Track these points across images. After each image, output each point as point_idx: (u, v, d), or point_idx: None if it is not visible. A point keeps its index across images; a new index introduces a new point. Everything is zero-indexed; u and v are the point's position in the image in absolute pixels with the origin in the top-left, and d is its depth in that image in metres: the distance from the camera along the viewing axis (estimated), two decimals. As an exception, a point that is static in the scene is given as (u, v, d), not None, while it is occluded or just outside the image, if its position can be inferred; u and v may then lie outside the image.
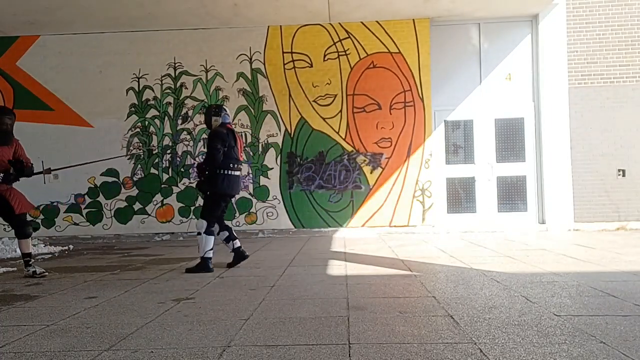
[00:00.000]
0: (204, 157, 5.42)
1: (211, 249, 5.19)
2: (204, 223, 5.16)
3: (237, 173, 5.27)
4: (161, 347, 2.71)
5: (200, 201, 9.13)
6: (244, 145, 9.02)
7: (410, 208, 8.93)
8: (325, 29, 9.09)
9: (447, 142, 9.23)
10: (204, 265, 5.16)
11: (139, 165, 9.23)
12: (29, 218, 9.01)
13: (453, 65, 9.12)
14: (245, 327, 3.06)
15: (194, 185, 9.13)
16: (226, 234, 5.38)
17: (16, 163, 5.16)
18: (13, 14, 8.26)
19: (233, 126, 5.66)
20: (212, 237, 5.22)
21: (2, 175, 5.00)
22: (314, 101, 9.08)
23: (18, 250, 7.37)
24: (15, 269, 5.92)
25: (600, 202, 8.70)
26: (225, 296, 3.99)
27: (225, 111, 5.38)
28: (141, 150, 9.16)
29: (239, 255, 5.41)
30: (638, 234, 7.95)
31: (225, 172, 5.15)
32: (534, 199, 9.01)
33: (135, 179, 9.20)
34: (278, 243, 7.84)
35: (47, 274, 5.27)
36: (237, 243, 5.41)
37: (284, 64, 9.14)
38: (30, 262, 5.30)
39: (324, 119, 9.08)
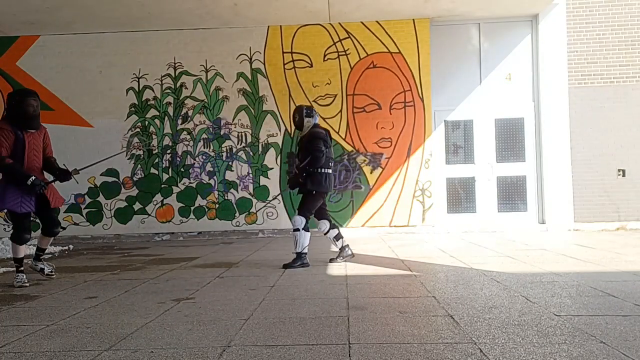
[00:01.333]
0: (298, 158, 5.42)
1: (307, 246, 5.36)
2: (303, 220, 5.30)
3: (331, 171, 5.48)
4: (161, 347, 2.71)
5: (200, 201, 9.13)
6: (246, 145, 9.05)
7: (410, 208, 8.93)
8: (325, 29, 9.09)
9: (447, 142, 9.23)
10: (302, 261, 5.30)
11: (139, 165, 9.23)
12: (37, 218, 9.06)
13: (453, 65, 9.12)
14: (245, 327, 3.06)
15: (193, 185, 9.14)
16: (336, 231, 5.56)
17: (60, 173, 4.87)
18: (13, 14, 8.26)
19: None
20: (309, 234, 5.37)
21: (42, 184, 4.62)
22: (314, 101, 9.07)
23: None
24: (15, 269, 5.91)
25: (600, 202, 8.70)
26: (225, 296, 3.99)
27: (316, 112, 5.55)
28: (142, 147, 9.15)
29: (346, 254, 5.57)
30: (638, 234, 7.95)
31: (325, 170, 5.33)
32: (534, 199, 9.00)
33: (135, 179, 9.20)
34: (278, 243, 7.84)
35: (54, 275, 5.06)
36: (345, 242, 5.61)
37: (284, 64, 9.14)
38: (41, 258, 5.07)
39: (324, 119, 9.06)
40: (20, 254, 4.75)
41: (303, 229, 5.27)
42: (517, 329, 2.86)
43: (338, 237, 5.57)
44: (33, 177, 4.53)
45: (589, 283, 4.10)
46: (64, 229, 5.66)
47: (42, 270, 5.04)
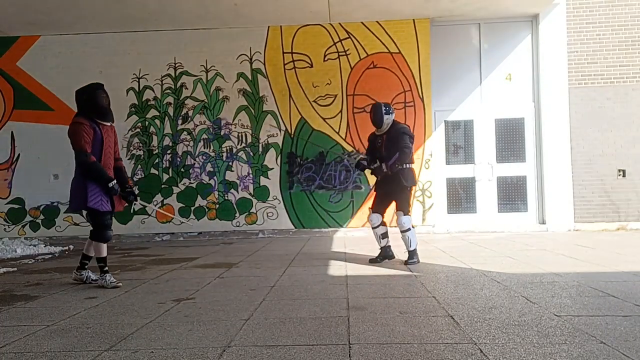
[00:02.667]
0: (386, 154, 5.38)
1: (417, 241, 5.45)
2: (410, 218, 5.37)
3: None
4: (161, 348, 2.71)
5: (200, 201, 9.13)
6: (246, 145, 9.05)
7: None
8: (326, 29, 9.09)
9: (448, 142, 9.22)
10: (417, 256, 5.39)
11: (139, 165, 9.23)
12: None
13: (453, 65, 9.12)
14: (246, 327, 3.06)
15: (194, 186, 9.13)
16: (385, 229, 5.57)
17: (126, 190, 4.67)
18: (13, 14, 8.26)
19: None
20: (414, 230, 5.44)
21: (117, 189, 4.48)
22: (314, 101, 9.08)
23: (18, 250, 7.44)
24: (15, 269, 5.92)
25: (601, 203, 8.70)
26: (225, 296, 3.99)
27: (392, 108, 5.59)
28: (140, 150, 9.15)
29: (386, 255, 5.59)
30: (638, 234, 7.94)
31: (412, 165, 5.40)
32: (534, 199, 9.00)
33: (135, 179, 9.19)
34: (278, 243, 7.84)
35: (119, 285, 4.51)
36: (389, 242, 5.59)
37: (284, 64, 9.14)
38: (105, 268, 4.57)
39: (324, 119, 9.08)
40: (104, 252, 4.52)
41: (411, 227, 5.36)
42: (518, 330, 2.86)
43: (384, 235, 5.56)
44: (114, 182, 4.42)
45: (589, 283, 4.10)
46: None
47: (89, 278, 4.67)
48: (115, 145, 4.65)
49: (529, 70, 9.07)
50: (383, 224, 5.56)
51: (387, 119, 5.40)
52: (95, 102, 4.45)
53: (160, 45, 9.20)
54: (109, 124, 4.55)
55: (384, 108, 5.41)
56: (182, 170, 9.20)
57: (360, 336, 2.81)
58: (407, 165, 5.34)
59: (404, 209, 5.37)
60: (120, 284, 4.53)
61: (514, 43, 9.07)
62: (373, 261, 5.56)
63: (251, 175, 9.12)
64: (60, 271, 5.61)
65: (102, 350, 2.70)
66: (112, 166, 4.57)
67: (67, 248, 7.91)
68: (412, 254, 5.39)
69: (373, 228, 5.59)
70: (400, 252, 5.78)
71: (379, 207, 5.55)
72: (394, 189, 5.37)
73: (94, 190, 4.37)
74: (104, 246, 4.56)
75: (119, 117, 9.13)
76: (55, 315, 3.50)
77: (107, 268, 4.57)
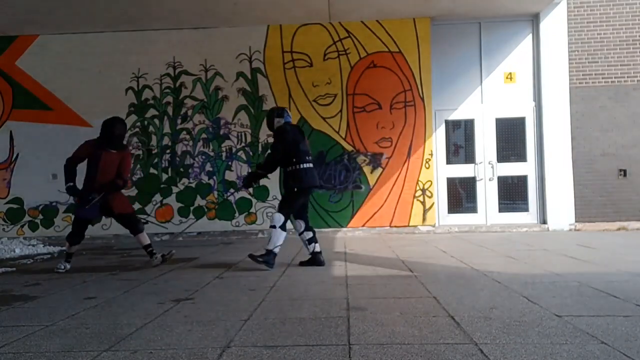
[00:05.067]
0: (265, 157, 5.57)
1: (280, 245, 5.23)
2: (282, 217, 5.19)
3: (312, 166, 5.36)
4: (160, 348, 2.70)
5: (199, 201, 9.12)
6: (247, 144, 9.04)
7: (411, 208, 8.91)
8: (326, 28, 9.07)
9: (448, 141, 9.21)
10: (268, 258, 5.16)
11: (138, 165, 9.22)
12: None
13: (454, 64, 9.10)
14: (245, 327, 3.05)
15: (193, 185, 9.12)
16: (310, 234, 5.41)
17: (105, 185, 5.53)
18: (12, 14, 8.24)
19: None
20: (285, 234, 5.25)
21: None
22: (314, 101, 9.06)
23: (16, 250, 7.47)
24: (14, 269, 5.91)
25: (602, 202, 8.68)
26: (225, 296, 3.98)
27: (287, 112, 5.53)
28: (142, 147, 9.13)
29: (315, 260, 5.40)
30: (639, 234, 7.93)
31: (304, 165, 5.23)
32: (535, 199, 8.98)
33: (134, 179, 9.18)
34: (278, 243, 7.81)
35: (173, 252, 5.89)
36: (317, 248, 5.43)
37: (284, 64, 9.12)
38: (154, 252, 5.77)
39: (324, 118, 9.06)
40: (144, 240, 5.82)
41: (280, 227, 5.16)
42: (518, 330, 2.84)
43: (311, 240, 5.37)
44: (71, 184, 5.43)
45: (590, 283, 4.08)
46: (146, 223, 6.68)
47: (162, 257, 5.75)
48: (118, 168, 5.55)
49: (529, 69, 9.05)
50: (308, 229, 5.39)
51: (277, 122, 5.39)
52: (105, 132, 5.52)
53: (159, 44, 9.19)
54: (114, 151, 5.51)
55: (276, 112, 5.46)
56: (181, 169, 9.19)
57: (361, 337, 2.79)
58: (301, 165, 5.19)
59: (280, 206, 5.32)
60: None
61: (514, 42, 9.05)
62: (303, 263, 5.47)
63: (251, 175, 9.09)
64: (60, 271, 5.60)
65: (101, 350, 2.68)
66: (106, 183, 5.49)
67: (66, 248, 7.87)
68: (266, 254, 5.16)
69: (299, 234, 5.44)
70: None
71: (299, 213, 5.41)
72: (286, 189, 5.40)
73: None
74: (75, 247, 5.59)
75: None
76: (54, 316, 3.49)
77: (152, 249, 5.79)
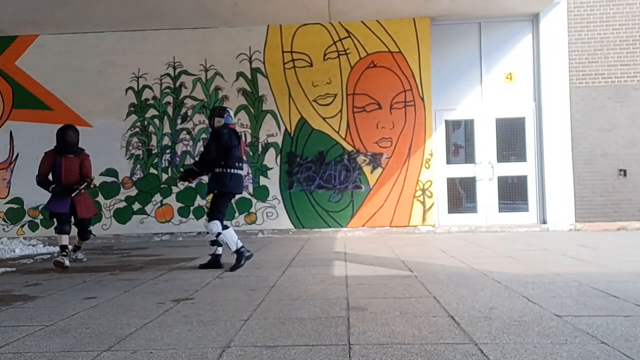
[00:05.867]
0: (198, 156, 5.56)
1: (237, 239, 5.27)
2: (218, 224, 5.21)
3: (241, 172, 5.42)
4: (160, 348, 2.69)
5: (199, 201, 9.12)
6: (245, 144, 9.00)
7: (411, 208, 8.92)
8: (326, 28, 9.08)
9: (448, 141, 9.21)
10: (243, 257, 5.24)
11: (138, 165, 9.22)
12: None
13: (454, 64, 9.10)
14: (245, 327, 3.05)
15: (193, 185, 9.13)
16: (213, 238, 5.36)
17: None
18: (12, 13, 8.25)
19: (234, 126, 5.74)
20: (231, 229, 5.29)
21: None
22: (314, 101, 9.06)
23: (16, 250, 7.48)
24: (14, 269, 5.91)
25: (602, 202, 8.68)
26: (225, 296, 3.98)
27: (229, 113, 5.49)
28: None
29: (215, 263, 5.41)
30: (639, 234, 7.93)
31: (231, 170, 5.26)
32: (535, 199, 8.99)
33: (134, 179, 9.18)
34: (278, 243, 7.83)
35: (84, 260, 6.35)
36: (220, 251, 5.43)
37: (284, 64, 9.12)
38: (69, 252, 6.08)
39: (324, 118, 9.06)
40: (79, 243, 6.43)
41: (223, 230, 5.19)
42: (518, 330, 2.84)
43: (214, 243, 5.37)
44: (53, 186, 6.05)
45: (590, 283, 4.08)
46: (93, 236, 6.84)
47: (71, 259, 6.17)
48: (80, 170, 6.13)
49: (529, 69, 9.05)
50: (225, 227, 5.33)
51: (218, 122, 5.38)
52: (59, 140, 6.13)
53: (159, 44, 9.19)
54: (71, 155, 6.11)
55: (217, 111, 5.46)
56: (181, 169, 9.18)
57: (361, 336, 2.79)
58: (228, 169, 5.22)
59: (210, 213, 5.31)
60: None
61: (514, 42, 9.05)
62: (203, 266, 5.45)
63: (251, 175, 9.10)
64: (59, 271, 5.60)
65: (101, 350, 2.68)
66: (74, 180, 6.08)
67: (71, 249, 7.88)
68: (238, 256, 5.22)
69: (208, 232, 5.41)
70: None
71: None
72: (211, 192, 5.39)
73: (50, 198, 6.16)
74: (64, 237, 5.97)
75: (117, 117, 9.19)
76: (54, 316, 3.49)
77: (64, 253, 5.91)
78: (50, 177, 6.13)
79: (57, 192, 6.03)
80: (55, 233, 6.14)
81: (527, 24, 9.06)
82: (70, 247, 6.15)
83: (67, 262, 5.71)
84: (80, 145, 6.21)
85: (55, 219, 6.16)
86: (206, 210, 9.10)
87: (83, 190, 6.14)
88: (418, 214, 8.92)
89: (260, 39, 9.14)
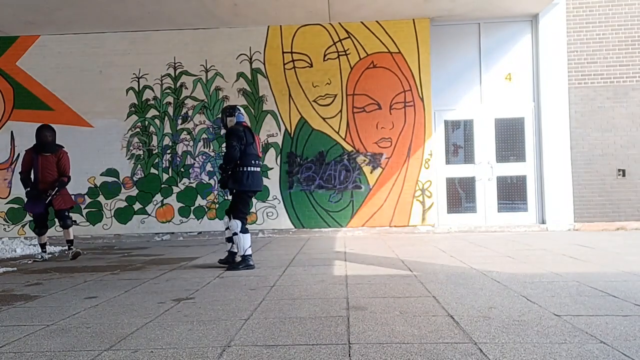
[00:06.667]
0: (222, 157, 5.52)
1: (250, 246, 5.29)
2: (239, 223, 5.23)
3: (258, 169, 5.40)
4: (161, 347, 2.71)
5: (200, 200, 9.13)
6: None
7: (411, 208, 8.93)
8: (325, 29, 9.09)
9: (447, 142, 9.23)
10: (246, 263, 5.25)
11: (139, 165, 9.23)
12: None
13: (453, 65, 9.12)
14: (245, 327, 3.06)
15: (193, 185, 9.16)
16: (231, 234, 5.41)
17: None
18: (13, 14, 8.26)
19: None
20: (249, 235, 5.31)
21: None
22: (314, 101, 9.08)
23: (17, 250, 7.52)
24: (15, 269, 5.92)
25: (600, 202, 8.70)
26: (225, 296, 3.99)
27: (240, 110, 5.50)
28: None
29: (228, 259, 5.45)
30: (638, 234, 7.94)
31: (248, 169, 5.26)
32: (534, 199, 9.00)
33: (135, 179, 9.19)
34: (278, 243, 7.84)
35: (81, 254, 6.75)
36: (235, 248, 5.44)
37: (284, 64, 9.13)
38: (71, 247, 6.74)
39: (324, 118, 9.08)
40: (68, 236, 6.79)
41: (241, 231, 5.21)
42: (517, 329, 2.86)
43: (230, 240, 5.41)
44: (28, 189, 6.47)
45: (589, 283, 4.10)
46: (74, 223, 7.32)
47: (74, 254, 6.67)
48: (58, 168, 6.55)
49: (528, 69, 9.07)
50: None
51: (230, 121, 5.39)
52: (36, 139, 6.54)
53: (160, 45, 9.21)
54: (48, 154, 6.52)
55: (227, 111, 5.45)
56: (181, 170, 9.21)
57: (360, 336, 2.81)
58: (245, 168, 5.23)
59: (233, 212, 5.31)
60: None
61: (513, 43, 9.07)
62: (221, 261, 5.52)
63: (251, 175, 9.10)
64: (60, 271, 5.62)
65: (102, 349, 2.70)
66: (52, 180, 6.52)
67: (66, 248, 7.89)
68: (242, 260, 5.25)
69: (225, 229, 5.46)
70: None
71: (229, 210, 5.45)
72: (231, 192, 5.39)
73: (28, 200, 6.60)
74: (41, 237, 6.67)
75: (118, 117, 9.21)
76: (54, 315, 3.50)
77: (44, 250, 6.77)
78: (32, 174, 6.54)
79: (32, 196, 6.46)
80: (34, 233, 6.78)
81: (527, 24, 9.08)
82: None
83: (41, 258, 6.61)
84: (77, 145, 6.48)
85: (33, 219, 6.75)
86: (206, 210, 9.12)
87: (56, 195, 6.52)
88: (417, 214, 8.93)
89: (260, 40, 9.16)
